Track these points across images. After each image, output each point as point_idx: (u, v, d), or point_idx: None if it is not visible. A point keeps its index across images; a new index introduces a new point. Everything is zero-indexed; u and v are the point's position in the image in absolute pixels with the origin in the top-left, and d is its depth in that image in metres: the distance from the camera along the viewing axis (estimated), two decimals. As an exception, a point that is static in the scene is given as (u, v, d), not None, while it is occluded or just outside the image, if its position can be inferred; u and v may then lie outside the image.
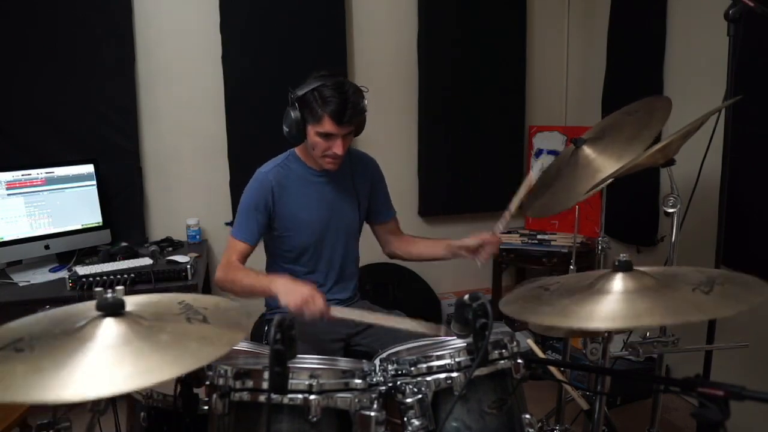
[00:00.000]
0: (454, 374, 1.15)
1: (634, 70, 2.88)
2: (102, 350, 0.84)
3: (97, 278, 2.21)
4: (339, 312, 1.56)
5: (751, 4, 1.57)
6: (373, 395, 1.14)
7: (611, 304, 1.03)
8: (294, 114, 1.67)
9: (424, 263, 3.22)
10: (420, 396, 1.13)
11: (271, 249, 1.91)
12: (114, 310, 0.91)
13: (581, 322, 1.01)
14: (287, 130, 1.70)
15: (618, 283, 1.07)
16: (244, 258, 1.79)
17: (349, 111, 1.64)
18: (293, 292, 1.51)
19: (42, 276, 2.40)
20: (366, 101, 1.71)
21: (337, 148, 1.69)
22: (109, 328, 0.88)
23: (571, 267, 1.95)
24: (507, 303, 1.16)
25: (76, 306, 1.01)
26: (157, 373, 0.80)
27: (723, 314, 0.95)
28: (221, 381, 1.10)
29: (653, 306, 1.00)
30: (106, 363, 0.82)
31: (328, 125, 1.65)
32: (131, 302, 0.97)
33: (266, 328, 1.89)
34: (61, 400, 0.74)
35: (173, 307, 1.03)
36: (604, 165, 1.67)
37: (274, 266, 1.91)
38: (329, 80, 1.66)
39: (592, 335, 1.46)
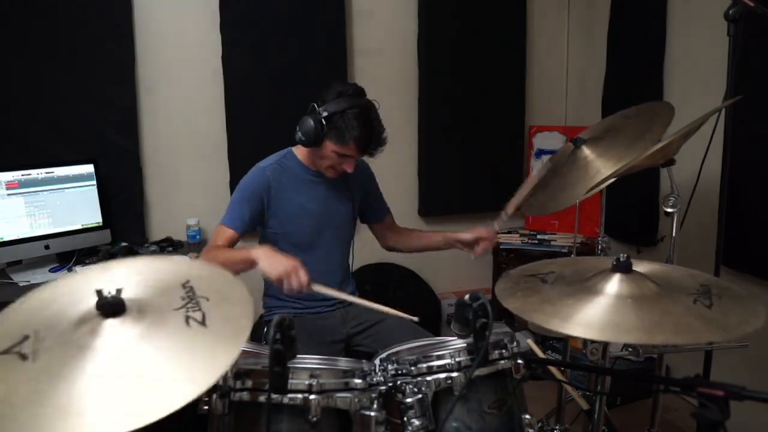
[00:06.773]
0: (454, 374, 1.15)
1: (634, 70, 2.88)
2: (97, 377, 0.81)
3: (97, 278, 2.21)
4: (320, 288, 1.55)
5: (751, 4, 1.57)
6: (373, 395, 1.14)
7: (615, 314, 1.00)
8: (316, 126, 1.68)
9: (424, 262, 3.23)
10: (420, 396, 1.13)
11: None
12: (114, 310, 0.90)
13: (587, 332, 0.99)
14: (303, 138, 1.72)
15: (616, 285, 1.05)
16: (229, 245, 1.78)
17: (374, 142, 1.73)
18: (276, 263, 1.52)
19: (42, 276, 2.40)
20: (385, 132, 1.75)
21: (349, 167, 1.76)
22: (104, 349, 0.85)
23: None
24: (506, 297, 1.14)
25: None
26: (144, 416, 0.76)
27: (730, 336, 0.93)
28: (221, 381, 1.10)
29: (660, 320, 0.97)
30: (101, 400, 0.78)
31: (351, 150, 1.71)
32: (132, 283, 0.95)
33: (265, 329, 1.89)
34: None
35: (174, 299, 0.95)
36: (604, 166, 1.67)
37: None
38: (356, 101, 1.68)
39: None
